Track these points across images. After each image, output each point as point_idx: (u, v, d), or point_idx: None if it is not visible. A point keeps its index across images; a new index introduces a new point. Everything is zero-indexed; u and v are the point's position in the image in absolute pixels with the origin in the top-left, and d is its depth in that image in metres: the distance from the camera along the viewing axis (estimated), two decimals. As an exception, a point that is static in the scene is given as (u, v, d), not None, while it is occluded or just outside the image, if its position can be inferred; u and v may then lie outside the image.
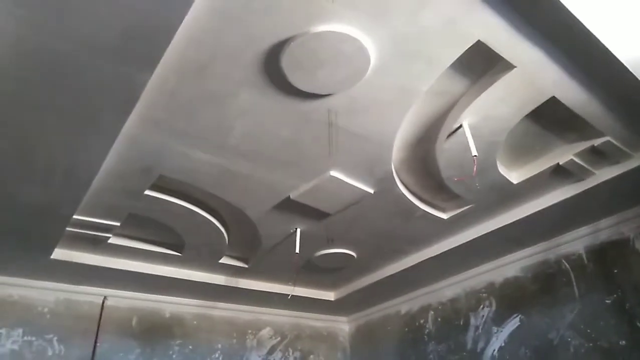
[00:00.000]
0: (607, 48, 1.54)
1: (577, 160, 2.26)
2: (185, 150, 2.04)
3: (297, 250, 2.79)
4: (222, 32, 1.50)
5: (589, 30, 1.49)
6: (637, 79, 1.66)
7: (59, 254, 2.87)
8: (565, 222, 2.84)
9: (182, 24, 1.39)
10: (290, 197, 2.45)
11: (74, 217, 2.48)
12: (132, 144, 1.97)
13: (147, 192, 2.34)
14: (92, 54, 1.44)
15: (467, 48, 1.62)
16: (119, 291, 3.45)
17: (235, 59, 1.60)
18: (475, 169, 1.94)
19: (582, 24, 1.46)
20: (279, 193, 2.43)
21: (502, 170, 2.39)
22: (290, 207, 2.55)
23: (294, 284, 3.40)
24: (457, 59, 1.69)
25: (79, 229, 2.61)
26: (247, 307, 3.99)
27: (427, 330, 3.79)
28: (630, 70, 1.62)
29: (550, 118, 2.10)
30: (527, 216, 2.69)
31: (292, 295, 3.73)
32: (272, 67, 1.64)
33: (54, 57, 1.45)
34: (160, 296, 3.61)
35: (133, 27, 1.36)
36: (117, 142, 1.92)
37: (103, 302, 3.38)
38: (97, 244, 2.84)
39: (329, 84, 1.71)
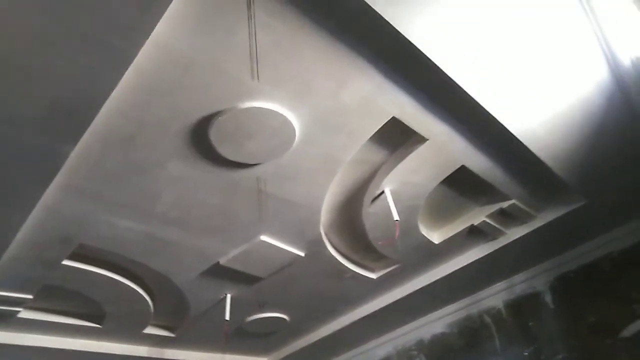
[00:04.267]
0: (501, 123, 1.74)
1: (488, 221, 2.46)
2: (109, 219, 1.98)
3: (227, 317, 2.72)
4: (150, 105, 1.53)
5: (486, 110, 1.69)
6: (528, 148, 1.88)
7: (-44, 333, 2.59)
8: (484, 278, 3.03)
9: (109, 98, 1.42)
10: (220, 262, 2.42)
11: (-20, 291, 2.28)
12: (50, 213, 1.89)
13: (65, 261, 2.21)
14: (13, 127, 1.41)
15: (383, 123, 1.77)
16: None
17: (162, 130, 1.63)
18: (397, 232, 2.06)
19: (479, 104, 1.66)
20: (207, 259, 2.40)
21: (424, 231, 2.53)
22: (219, 272, 2.51)
23: (224, 353, 3.27)
24: (376, 132, 1.83)
25: (-16, 303, 2.39)
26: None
27: (361, 393, 3.75)
28: (522, 140, 1.84)
29: (463, 184, 2.29)
30: (449, 274, 2.84)
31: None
32: (200, 139, 1.68)
33: (-31, 128, 1.40)
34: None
35: (59, 102, 1.36)
36: (34, 211, 1.84)
37: (8, 385, 3.03)
38: (4, 319, 2.60)
39: (257, 154, 1.78)
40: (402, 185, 2.12)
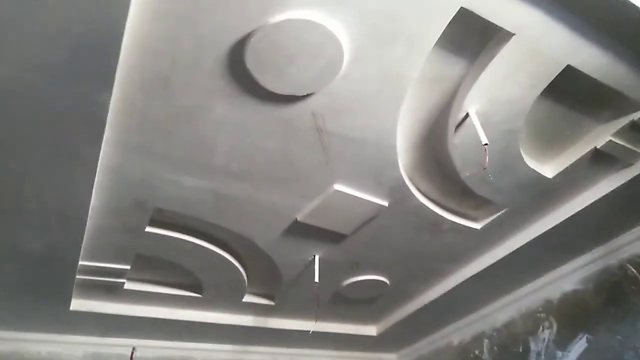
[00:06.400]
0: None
1: (617, 141, 1.94)
2: (172, 177, 1.93)
3: (317, 280, 2.57)
4: (175, 36, 1.39)
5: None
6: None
7: (78, 304, 2.80)
8: (622, 218, 2.45)
9: (132, 33, 1.32)
10: (298, 219, 2.26)
11: (82, 263, 2.41)
12: (117, 176, 1.89)
13: (148, 228, 2.23)
14: (47, 78, 1.38)
15: (450, 19, 1.42)
16: (146, 341, 3.31)
17: (196, 65, 1.48)
18: (487, 159, 1.68)
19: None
20: (284, 216, 2.25)
21: (532, 163, 2.09)
22: (301, 231, 2.36)
23: (317, 319, 3.13)
24: (444, 34, 1.49)
25: (90, 275, 2.53)
26: (283, 349, 3.73)
27: (483, 362, 3.37)
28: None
29: (574, 94, 1.82)
30: (574, 215, 2.33)
31: (331, 332, 3.50)
32: (239, 71, 1.51)
33: (12, 86, 1.40)
34: (190, 343, 3.44)
35: (78, 42, 1.28)
36: (103, 176, 1.86)
37: (132, 354, 3.26)
38: (114, 291, 2.76)
39: (304, 81, 1.55)
40: (490, 103, 1.73)
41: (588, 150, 2.01)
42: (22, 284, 2.48)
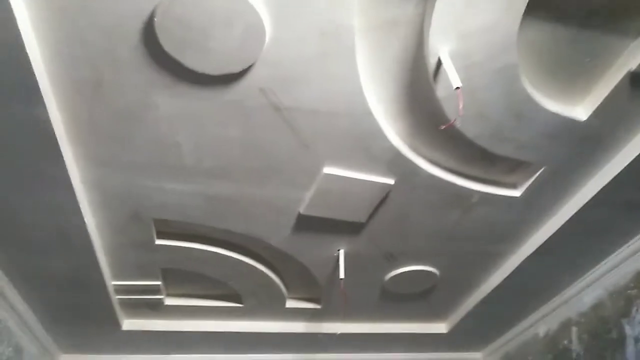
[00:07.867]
0: None
1: (658, 55, 1.50)
2: (152, 185, 1.89)
3: (342, 276, 2.37)
4: (80, 35, 1.34)
5: None
6: None
7: (130, 324, 2.92)
8: None
9: (41, 41, 1.31)
10: (301, 212, 2.10)
11: (115, 283, 2.49)
12: (103, 192, 1.90)
13: (158, 241, 2.23)
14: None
15: (365, -58, 1.19)
16: (210, 356, 3.35)
17: (115, 61, 1.41)
18: (461, 104, 1.38)
19: None
20: (286, 211, 2.10)
21: (553, 106, 1.71)
22: (312, 225, 2.19)
23: (344, 318, 2.89)
24: (372, -35, 1.26)
25: (128, 295, 2.61)
26: (349, 354, 3.52)
27: (574, 354, 2.85)
28: None
29: (582, 6, 1.44)
30: (633, 162, 1.87)
31: (398, 333, 3.26)
32: (161, 57, 1.41)
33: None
34: (252, 355, 3.40)
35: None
36: (91, 193, 1.90)
37: (197, 369, 3.31)
38: (158, 308, 2.82)
39: (231, 55, 1.41)
40: (463, 38, 1.43)
41: (622, 77, 1.58)
42: (68, 306, 2.62)
